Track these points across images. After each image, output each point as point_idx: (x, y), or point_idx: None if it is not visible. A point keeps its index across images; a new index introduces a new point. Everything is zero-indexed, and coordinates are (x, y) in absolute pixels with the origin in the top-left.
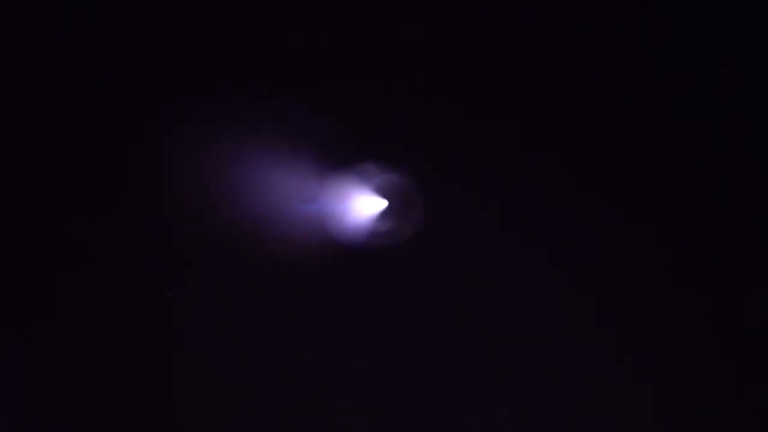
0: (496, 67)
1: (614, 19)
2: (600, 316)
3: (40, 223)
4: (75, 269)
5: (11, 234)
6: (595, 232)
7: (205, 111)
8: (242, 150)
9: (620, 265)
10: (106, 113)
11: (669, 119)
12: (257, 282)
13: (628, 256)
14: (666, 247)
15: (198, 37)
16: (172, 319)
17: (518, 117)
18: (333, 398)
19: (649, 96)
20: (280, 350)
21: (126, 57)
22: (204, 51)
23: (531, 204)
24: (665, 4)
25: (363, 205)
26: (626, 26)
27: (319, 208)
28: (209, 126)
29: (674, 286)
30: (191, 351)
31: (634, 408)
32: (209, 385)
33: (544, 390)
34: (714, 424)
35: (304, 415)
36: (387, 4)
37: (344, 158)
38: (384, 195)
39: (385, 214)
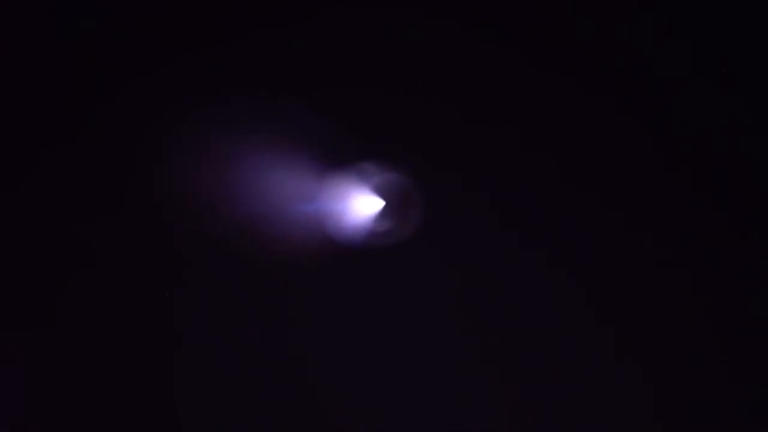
0: (496, 67)
1: (614, 19)
2: (600, 316)
3: (40, 223)
4: (75, 269)
5: (11, 234)
6: (595, 232)
7: (205, 111)
8: (242, 150)
9: (620, 265)
10: (106, 113)
11: (669, 119)
12: (257, 282)
13: (628, 256)
14: (666, 247)
15: (198, 37)
16: (172, 319)
17: (518, 117)
18: (333, 398)
19: (649, 96)
20: (280, 350)
21: (126, 57)
22: (204, 51)
23: (531, 204)
24: (665, 4)
25: (362, 205)
26: (626, 26)
27: (319, 208)
28: (209, 126)
29: (674, 286)
30: (191, 351)
31: (634, 408)
32: (209, 385)
33: (544, 390)
34: (714, 424)
35: (304, 415)
36: (387, 4)
37: (344, 158)
38: (383, 195)
39: (384, 214)
